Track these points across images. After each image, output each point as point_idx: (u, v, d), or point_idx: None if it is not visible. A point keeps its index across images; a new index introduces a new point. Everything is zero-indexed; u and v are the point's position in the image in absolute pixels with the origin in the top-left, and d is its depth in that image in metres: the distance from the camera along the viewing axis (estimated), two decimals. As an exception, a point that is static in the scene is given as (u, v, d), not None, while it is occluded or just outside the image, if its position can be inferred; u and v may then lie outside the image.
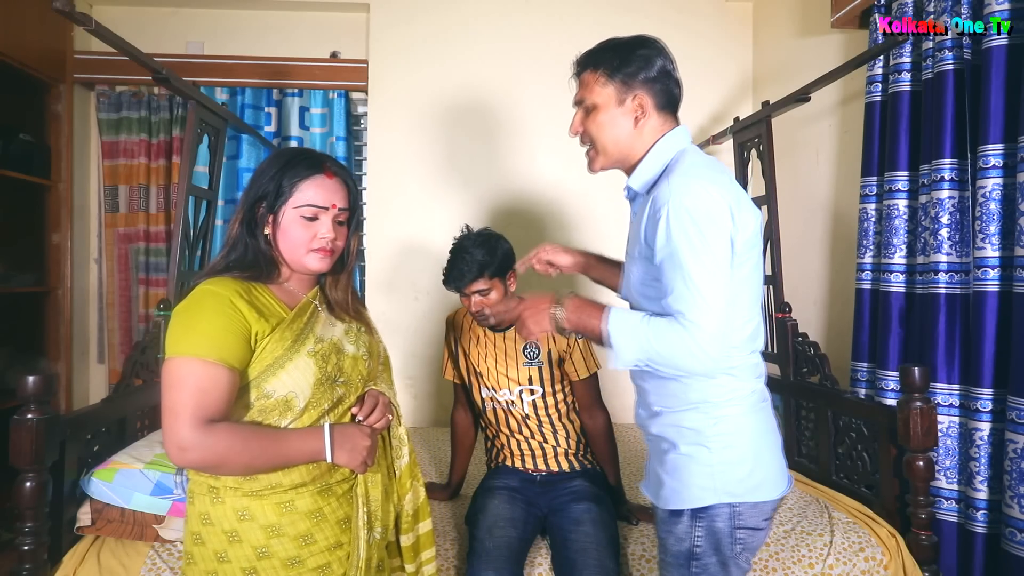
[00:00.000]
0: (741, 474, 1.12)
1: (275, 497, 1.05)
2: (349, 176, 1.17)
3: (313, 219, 1.10)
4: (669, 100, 1.19)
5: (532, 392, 1.76)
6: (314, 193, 1.09)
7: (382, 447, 1.21)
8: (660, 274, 1.08)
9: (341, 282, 1.21)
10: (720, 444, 1.12)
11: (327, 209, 1.11)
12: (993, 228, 1.69)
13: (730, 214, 1.06)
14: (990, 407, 1.70)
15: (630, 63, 1.16)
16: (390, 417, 1.19)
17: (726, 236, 1.05)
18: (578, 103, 1.22)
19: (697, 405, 1.13)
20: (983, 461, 1.72)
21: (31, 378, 1.43)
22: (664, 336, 1.04)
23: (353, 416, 1.14)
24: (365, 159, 3.04)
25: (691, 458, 1.13)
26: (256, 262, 1.10)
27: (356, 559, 1.09)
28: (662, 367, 1.07)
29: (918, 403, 1.61)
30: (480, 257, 1.65)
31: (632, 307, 1.26)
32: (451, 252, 1.71)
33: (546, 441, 1.78)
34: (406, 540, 1.24)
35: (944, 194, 1.82)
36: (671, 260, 1.05)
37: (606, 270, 1.50)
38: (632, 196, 1.24)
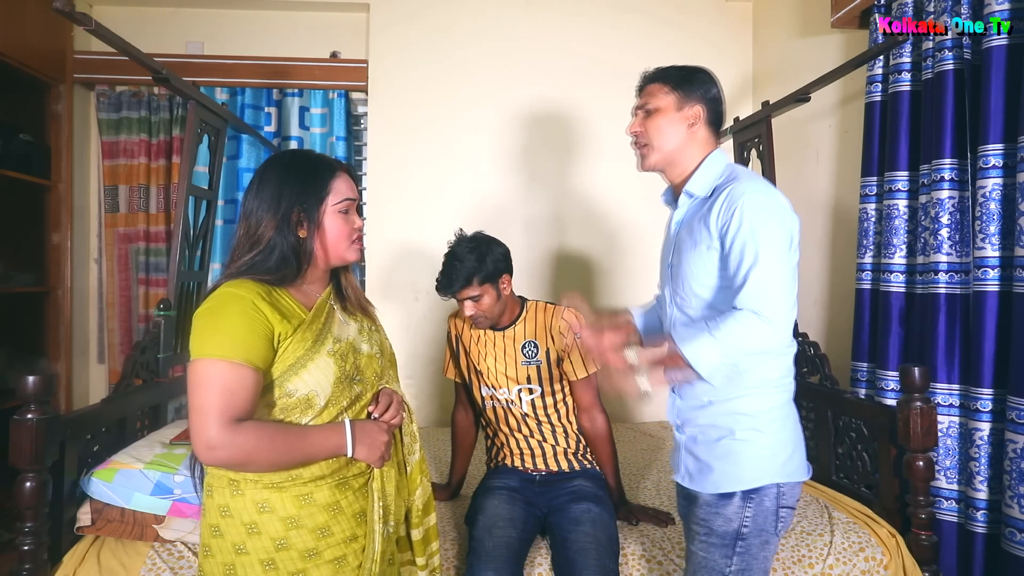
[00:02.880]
0: (786, 456, 1.22)
1: (295, 489, 1.08)
2: (355, 172, 1.26)
3: (347, 212, 1.18)
4: (716, 118, 1.33)
5: (531, 391, 1.76)
6: (346, 188, 1.19)
7: (395, 443, 1.24)
8: (734, 262, 1.16)
9: (351, 276, 1.27)
10: (773, 428, 1.22)
11: (354, 201, 1.20)
12: (993, 228, 1.69)
13: (790, 215, 1.19)
14: (990, 407, 1.70)
15: (693, 81, 1.31)
16: (403, 414, 1.23)
17: (789, 232, 1.17)
18: (640, 107, 1.34)
19: (753, 390, 1.22)
20: (983, 461, 1.72)
21: (31, 378, 1.43)
22: (736, 332, 1.11)
23: (369, 414, 1.18)
24: (365, 159, 3.04)
25: (747, 443, 1.21)
26: (282, 264, 1.12)
27: (372, 551, 1.12)
28: (742, 360, 1.16)
29: (918, 403, 1.61)
30: (470, 264, 1.65)
31: (678, 304, 1.31)
32: (444, 258, 1.72)
33: (545, 440, 1.78)
34: (417, 534, 1.27)
35: (944, 194, 1.82)
36: (745, 249, 1.14)
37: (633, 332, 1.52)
38: (689, 198, 1.31)
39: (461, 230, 1.77)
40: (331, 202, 1.15)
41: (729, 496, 1.22)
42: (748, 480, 1.21)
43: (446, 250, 1.73)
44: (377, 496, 1.15)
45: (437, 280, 1.71)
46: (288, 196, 1.13)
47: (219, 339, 1.03)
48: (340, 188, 1.17)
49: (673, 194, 1.37)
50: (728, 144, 2.72)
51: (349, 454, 1.10)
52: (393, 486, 1.19)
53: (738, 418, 1.22)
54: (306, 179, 1.15)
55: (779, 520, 1.22)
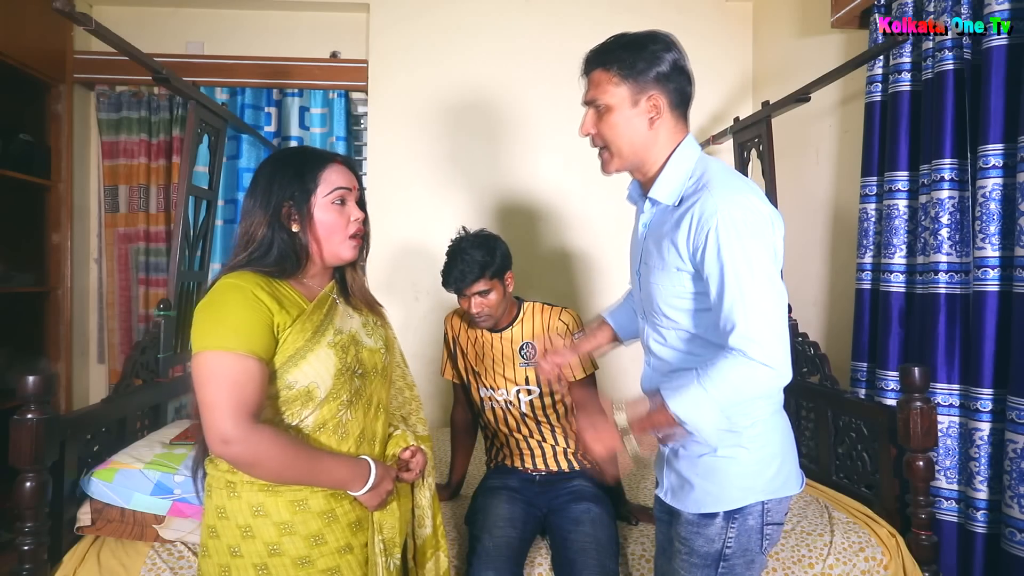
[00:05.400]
0: (772, 472, 1.14)
1: (289, 494, 1.06)
2: (353, 163, 1.22)
3: (342, 203, 1.14)
4: (682, 98, 1.15)
5: (529, 392, 1.76)
6: (338, 177, 1.14)
7: (400, 502, 1.23)
8: (714, 293, 1.06)
9: (359, 275, 1.24)
10: (757, 444, 1.13)
11: (351, 191, 1.16)
12: (993, 228, 1.69)
13: (771, 224, 1.07)
14: (990, 407, 1.70)
15: (643, 60, 1.11)
16: (416, 473, 1.24)
17: (772, 246, 1.06)
18: (589, 103, 1.17)
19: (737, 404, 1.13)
20: (983, 461, 1.71)
21: (31, 378, 1.43)
22: (732, 382, 1.01)
23: (395, 456, 1.21)
24: (365, 159, 3.04)
25: (730, 460, 1.13)
26: (281, 259, 1.11)
27: None
28: (743, 405, 1.07)
29: (918, 403, 1.61)
30: (480, 258, 1.65)
31: (648, 318, 1.23)
32: (449, 254, 1.71)
33: (545, 440, 1.78)
34: None
35: (944, 194, 1.82)
36: (728, 283, 1.03)
37: (605, 334, 1.48)
38: (653, 206, 1.19)
39: (464, 227, 1.77)
40: (321, 193, 1.12)
41: (711, 516, 1.14)
42: (731, 500, 1.13)
43: (449, 248, 1.72)
44: (376, 529, 1.14)
45: (443, 275, 1.69)
46: (277, 191, 1.12)
47: (222, 331, 1.01)
48: (331, 178, 1.13)
49: (641, 190, 1.23)
50: (728, 144, 2.72)
51: (362, 491, 1.08)
52: (395, 518, 1.17)
53: (721, 434, 1.12)
54: (295, 172, 1.13)
55: (764, 538, 1.16)
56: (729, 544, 1.14)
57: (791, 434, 1.21)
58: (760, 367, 1.00)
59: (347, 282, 1.22)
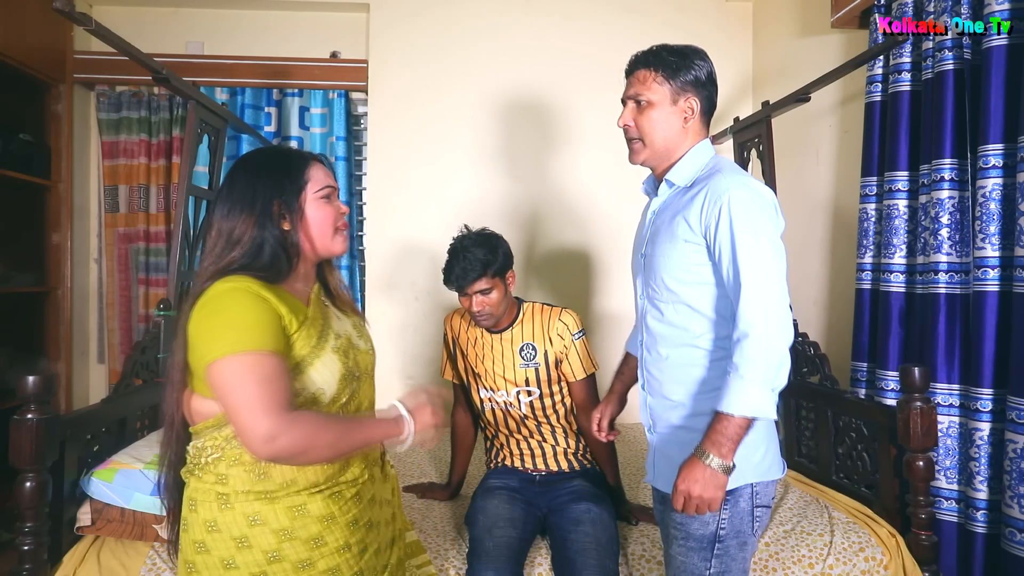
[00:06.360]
0: (759, 456, 1.21)
1: (287, 500, 1.04)
2: (329, 162, 1.25)
3: (328, 199, 1.15)
4: (710, 106, 1.30)
5: (529, 393, 1.76)
6: (323, 175, 1.16)
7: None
8: (727, 265, 1.16)
9: (337, 273, 1.25)
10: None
11: (335, 189, 1.18)
12: (993, 228, 1.69)
13: (774, 206, 1.20)
14: (990, 407, 1.70)
15: (686, 67, 1.26)
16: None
17: (776, 226, 1.19)
18: (631, 97, 1.29)
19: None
20: (983, 461, 1.71)
21: (31, 378, 1.43)
22: (758, 359, 1.11)
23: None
24: (365, 159, 3.04)
25: None
26: (274, 259, 1.09)
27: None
28: (781, 365, 1.14)
29: (918, 403, 1.61)
30: (482, 256, 1.65)
31: (647, 293, 1.30)
32: (450, 252, 1.70)
33: (545, 441, 1.78)
34: None
35: (944, 194, 1.82)
36: (738, 255, 1.14)
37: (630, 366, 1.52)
38: (669, 187, 1.30)
39: (466, 226, 1.76)
40: (311, 190, 1.12)
41: None
42: None
43: (450, 246, 1.71)
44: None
45: (445, 272, 1.68)
46: (264, 190, 1.09)
47: (235, 334, 0.97)
48: (318, 176, 1.14)
49: (655, 182, 1.35)
50: (728, 144, 2.72)
51: (407, 433, 1.11)
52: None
53: (709, 419, 1.17)
54: (280, 171, 1.12)
55: (755, 520, 1.21)
56: (723, 526, 1.20)
57: (773, 423, 1.28)
58: (773, 337, 1.12)
59: (328, 283, 1.21)
